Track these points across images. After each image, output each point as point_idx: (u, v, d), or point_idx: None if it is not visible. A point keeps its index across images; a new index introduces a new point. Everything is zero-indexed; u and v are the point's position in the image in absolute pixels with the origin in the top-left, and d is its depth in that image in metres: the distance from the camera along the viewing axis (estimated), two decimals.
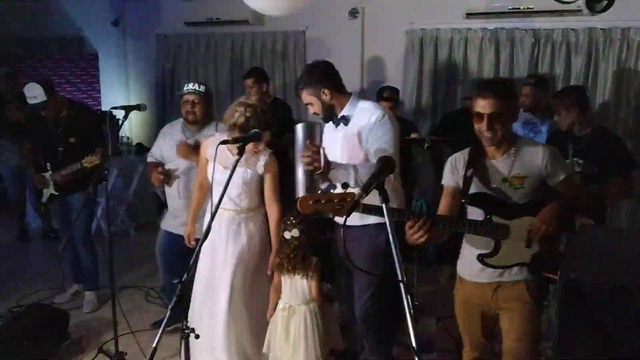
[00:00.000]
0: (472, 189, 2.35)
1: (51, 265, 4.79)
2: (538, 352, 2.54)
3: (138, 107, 3.40)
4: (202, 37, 6.45)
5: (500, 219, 2.29)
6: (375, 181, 1.82)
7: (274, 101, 4.82)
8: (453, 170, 2.47)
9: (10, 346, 3.37)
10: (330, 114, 2.85)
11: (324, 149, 2.52)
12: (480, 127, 2.30)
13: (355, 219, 2.75)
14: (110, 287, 3.40)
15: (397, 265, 1.72)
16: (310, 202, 2.11)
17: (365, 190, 1.81)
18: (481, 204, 2.33)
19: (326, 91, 2.80)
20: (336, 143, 2.83)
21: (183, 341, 2.20)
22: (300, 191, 2.51)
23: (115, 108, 3.35)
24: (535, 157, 2.33)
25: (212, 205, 2.25)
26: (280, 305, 3.16)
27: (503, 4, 4.93)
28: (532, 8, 4.81)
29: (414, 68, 5.43)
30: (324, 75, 2.81)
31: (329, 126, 2.92)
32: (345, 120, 2.82)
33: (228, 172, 2.30)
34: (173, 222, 3.78)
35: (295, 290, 3.10)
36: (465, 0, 5.10)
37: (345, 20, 5.64)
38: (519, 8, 4.87)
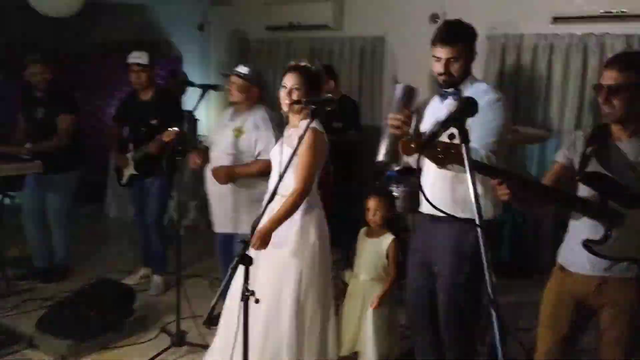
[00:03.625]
0: (590, 169, 2.16)
1: (124, 249, 4.95)
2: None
3: (215, 87, 3.46)
4: (282, 40, 6.55)
5: (617, 206, 2.07)
6: (453, 119, 1.67)
7: (342, 98, 4.79)
8: (570, 146, 2.29)
9: (78, 315, 3.47)
10: (457, 81, 2.57)
11: (417, 114, 2.36)
12: (599, 99, 2.12)
13: (443, 208, 2.59)
14: (176, 272, 3.46)
15: (487, 280, 1.54)
16: (413, 146, 1.99)
17: (444, 125, 1.67)
18: (598, 185, 2.10)
19: (474, 51, 2.59)
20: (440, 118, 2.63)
21: (242, 304, 2.16)
22: (380, 155, 2.37)
23: (192, 85, 3.41)
24: None
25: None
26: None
27: (593, 7, 4.70)
28: (626, 12, 4.55)
29: (494, 75, 5.26)
30: (474, 37, 2.61)
31: (434, 102, 2.69)
32: (456, 94, 2.55)
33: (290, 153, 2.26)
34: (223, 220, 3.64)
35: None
36: (552, 4, 4.90)
37: (425, 25, 5.55)
38: (611, 12, 4.61)
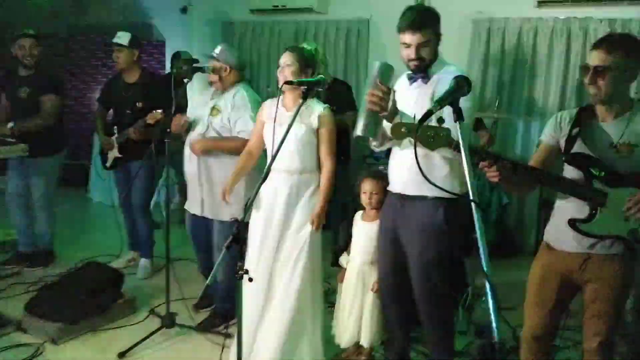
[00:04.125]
0: (575, 150, 2.20)
1: (110, 234, 4.92)
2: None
3: (202, 69, 3.43)
4: (267, 24, 6.51)
5: (601, 185, 2.13)
6: (450, 97, 1.71)
7: (333, 81, 4.79)
8: (556, 127, 2.32)
9: (67, 298, 3.45)
10: (428, 65, 2.61)
11: (395, 92, 2.38)
12: (585, 80, 2.16)
13: (412, 187, 2.66)
14: (166, 254, 3.46)
15: (482, 257, 1.58)
16: (403, 129, 2.01)
17: (439, 102, 1.69)
18: (583, 165, 2.17)
19: (439, 37, 2.60)
20: (409, 101, 2.62)
21: (237, 283, 2.17)
22: (359, 130, 2.39)
23: (180, 68, 3.38)
24: None
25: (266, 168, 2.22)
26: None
27: None
28: None
29: (480, 58, 5.30)
30: (439, 22, 2.61)
31: (402, 82, 2.73)
32: (427, 77, 2.61)
33: (284, 131, 2.26)
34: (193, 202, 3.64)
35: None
36: None
37: None
38: None
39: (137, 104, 4.12)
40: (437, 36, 2.61)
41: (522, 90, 5.22)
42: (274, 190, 2.98)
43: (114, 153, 4.26)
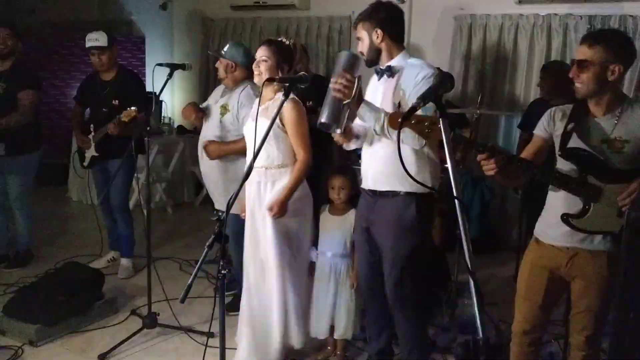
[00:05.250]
0: (571, 145, 2.20)
1: (90, 233, 4.86)
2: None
3: (183, 67, 3.39)
4: (248, 21, 6.47)
5: (596, 180, 2.13)
6: (433, 93, 1.70)
7: (314, 77, 4.77)
8: (549, 121, 2.33)
9: (46, 299, 3.39)
10: (374, 59, 2.66)
11: (359, 80, 2.37)
12: (570, 75, 2.16)
13: (383, 182, 2.67)
14: (147, 254, 3.41)
15: (466, 254, 1.57)
16: (400, 120, 1.99)
17: (423, 99, 1.69)
18: (578, 161, 2.17)
19: (379, 32, 2.60)
20: (377, 95, 2.66)
21: (219, 282, 2.14)
22: (323, 117, 2.38)
23: (160, 65, 3.34)
24: None
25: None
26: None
27: None
28: None
29: (461, 54, 5.32)
30: (385, 16, 2.60)
31: (373, 77, 2.77)
32: (390, 72, 2.62)
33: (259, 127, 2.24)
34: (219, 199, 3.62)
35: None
36: None
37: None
38: None
39: (114, 101, 4.05)
40: (381, 30, 2.60)
41: (504, 86, 5.25)
42: (244, 187, 2.90)
43: (91, 152, 4.18)
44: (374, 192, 2.73)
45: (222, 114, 3.46)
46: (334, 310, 3.09)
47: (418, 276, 2.74)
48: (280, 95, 2.77)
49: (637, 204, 1.58)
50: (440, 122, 1.68)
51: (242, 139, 3.35)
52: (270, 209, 2.85)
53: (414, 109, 1.69)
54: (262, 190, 2.93)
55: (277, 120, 2.82)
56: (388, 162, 2.62)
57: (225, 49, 3.50)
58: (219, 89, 3.67)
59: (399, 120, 1.70)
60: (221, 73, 3.48)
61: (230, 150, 3.43)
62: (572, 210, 2.19)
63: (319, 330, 3.13)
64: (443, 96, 1.76)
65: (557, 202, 2.27)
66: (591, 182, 2.14)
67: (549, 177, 2.16)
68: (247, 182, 2.25)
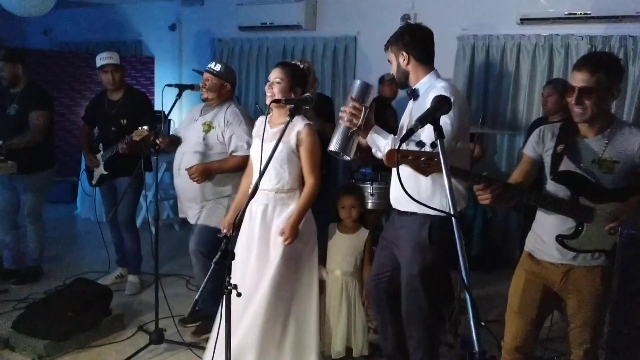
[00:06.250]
0: (562, 168, 2.25)
1: (99, 250, 4.92)
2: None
3: (192, 87, 3.47)
4: (255, 41, 6.59)
5: (587, 201, 2.18)
6: (430, 116, 1.75)
7: (318, 95, 4.85)
8: (539, 141, 2.37)
9: (55, 315, 3.44)
10: (403, 81, 2.72)
11: (367, 109, 2.45)
12: (570, 101, 2.20)
13: (403, 203, 2.72)
14: (155, 270, 3.45)
15: (463, 271, 1.62)
16: (395, 160, 2.05)
17: (421, 121, 1.74)
18: (571, 183, 2.21)
19: (405, 55, 2.65)
20: (407, 116, 2.73)
21: (224, 298, 2.19)
22: (332, 144, 2.47)
23: (169, 85, 3.42)
24: (631, 144, 2.19)
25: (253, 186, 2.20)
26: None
27: (558, 9, 4.87)
28: (589, 13, 4.73)
29: (464, 73, 5.40)
30: (411, 40, 2.66)
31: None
32: (414, 94, 2.68)
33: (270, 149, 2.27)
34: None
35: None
36: (519, 6, 5.06)
37: (397, 25, 5.62)
38: (575, 14, 4.79)
39: (122, 121, 4.14)
40: (406, 54, 2.66)
41: (506, 105, 5.31)
42: (250, 208, 2.94)
43: (99, 170, 4.27)
44: (397, 211, 2.82)
45: (206, 131, 3.49)
46: (349, 327, 3.14)
47: (431, 293, 2.78)
48: (299, 120, 2.85)
49: (628, 223, 1.62)
50: (439, 143, 1.73)
51: (230, 158, 3.44)
52: (282, 233, 2.86)
53: (411, 131, 1.75)
54: (270, 213, 2.93)
55: (292, 145, 2.88)
56: (405, 184, 2.65)
57: (218, 68, 3.54)
58: (197, 108, 3.70)
59: (395, 159, 1.77)
60: (208, 92, 3.52)
61: (217, 170, 3.47)
62: (564, 227, 2.24)
63: (334, 348, 3.17)
64: (441, 118, 1.82)
65: (549, 219, 2.31)
66: (583, 203, 2.18)
67: (544, 202, 2.21)
68: (251, 202, 2.29)
